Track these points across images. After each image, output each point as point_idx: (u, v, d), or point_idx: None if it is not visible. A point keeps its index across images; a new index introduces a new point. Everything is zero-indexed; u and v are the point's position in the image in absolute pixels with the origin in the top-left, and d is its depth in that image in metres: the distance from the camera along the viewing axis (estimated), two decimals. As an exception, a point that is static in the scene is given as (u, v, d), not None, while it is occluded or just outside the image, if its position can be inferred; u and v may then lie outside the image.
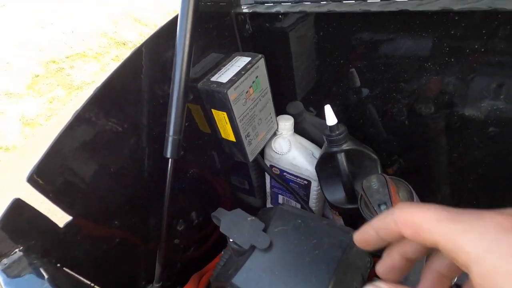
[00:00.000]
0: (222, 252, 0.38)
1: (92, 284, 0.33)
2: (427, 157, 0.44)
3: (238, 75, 0.37)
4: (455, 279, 0.17)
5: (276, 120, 0.48)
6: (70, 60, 2.71)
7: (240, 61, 0.40)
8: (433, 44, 0.33)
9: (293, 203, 0.55)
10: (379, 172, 0.42)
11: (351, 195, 0.43)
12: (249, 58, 0.40)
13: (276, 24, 0.42)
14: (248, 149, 0.43)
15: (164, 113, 0.34)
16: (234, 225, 0.32)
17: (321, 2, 0.37)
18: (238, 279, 0.30)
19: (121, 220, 0.37)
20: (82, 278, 0.31)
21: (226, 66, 0.40)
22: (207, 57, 0.40)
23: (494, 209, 0.14)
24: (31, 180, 0.27)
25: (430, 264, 0.18)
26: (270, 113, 0.45)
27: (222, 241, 0.38)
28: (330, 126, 0.40)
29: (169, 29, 0.34)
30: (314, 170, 0.46)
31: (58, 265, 0.29)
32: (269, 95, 0.44)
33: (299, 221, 0.32)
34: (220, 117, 0.39)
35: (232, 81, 0.36)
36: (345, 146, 0.41)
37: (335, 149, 0.41)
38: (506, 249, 0.12)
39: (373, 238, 0.17)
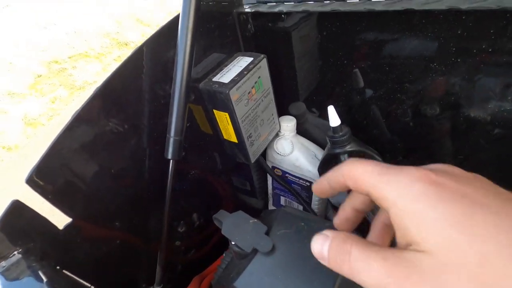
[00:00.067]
0: (224, 255, 0.37)
1: (92, 287, 0.32)
2: (432, 159, 0.43)
3: (240, 75, 0.37)
4: None
5: (279, 121, 0.47)
6: (72, 60, 2.72)
7: (242, 61, 0.39)
8: (439, 44, 0.32)
9: (295, 204, 0.55)
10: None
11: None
12: (251, 58, 0.39)
13: (279, 24, 0.42)
14: (250, 150, 0.43)
15: (165, 114, 0.34)
16: (236, 227, 0.32)
17: (325, 1, 0.37)
18: (240, 283, 0.29)
19: (122, 222, 0.36)
20: (81, 281, 0.31)
21: (228, 66, 0.39)
22: (208, 57, 0.40)
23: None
24: (30, 181, 0.26)
25: (376, 217, 0.22)
26: (272, 114, 0.45)
27: (223, 243, 0.37)
28: (333, 127, 0.39)
29: (171, 28, 0.34)
30: (317, 172, 0.46)
31: (58, 267, 0.29)
32: (271, 96, 0.43)
33: (302, 223, 0.32)
34: (222, 117, 0.39)
35: (234, 81, 0.36)
36: (348, 148, 0.40)
37: (338, 150, 0.40)
38: (414, 193, 0.15)
39: (327, 188, 0.21)
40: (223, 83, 0.36)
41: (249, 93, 0.38)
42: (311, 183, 0.49)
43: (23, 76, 2.48)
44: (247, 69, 0.38)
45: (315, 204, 0.52)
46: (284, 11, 0.39)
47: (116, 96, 0.32)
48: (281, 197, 0.56)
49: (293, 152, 0.48)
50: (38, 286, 0.24)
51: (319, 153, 0.49)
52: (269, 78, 0.41)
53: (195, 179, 0.46)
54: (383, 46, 0.36)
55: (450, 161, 0.41)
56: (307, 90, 0.48)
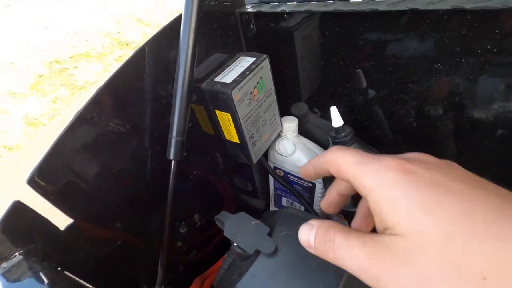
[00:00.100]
0: (225, 255, 0.37)
1: (93, 288, 0.32)
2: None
3: (243, 75, 0.36)
4: None
5: (281, 121, 0.47)
6: (73, 60, 2.73)
7: (245, 61, 0.39)
8: (443, 44, 0.32)
9: (297, 205, 0.55)
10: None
11: (357, 198, 0.42)
12: (254, 58, 0.39)
13: (281, 24, 0.42)
14: (252, 151, 0.42)
15: (167, 114, 0.33)
16: (238, 229, 0.32)
17: (328, 1, 0.36)
18: (243, 285, 0.29)
19: (123, 223, 0.36)
20: (83, 282, 0.31)
21: (230, 66, 0.39)
22: (211, 57, 0.40)
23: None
24: (32, 181, 0.26)
25: (360, 204, 0.24)
26: (274, 114, 0.45)
27: (225, 244, 0.37)
28: (336, 128, 0.39)
29: (172, 28, 0.33)
30: (319, 173, 0.46)
31: (59, 268, 0.28)
32: (273, 96, 0.43)
33: (305, 225, 0.32)
34: (224, 118, 0.38)
35: (236, 81, 0.36)
36: (351, 148, 0.40)
37: (341, 151, 0.40)
38: (388, 181, 0.16)
39: (312, 172, 0.23)
40: (225, 83, 0.36)
41: (251, 93, 0.38)
42: (313, 184, 0.49)
43: (24, 76, 2.48)
44: (249, 69, 0.37)
45: (317, 205, 0.52)
46: (287, 11, 0.39)
47: (118, 96, 0.32)
48: (283, 198, 0.56)
49: (295, 152, 0.47)
50: (39, 287, 0.24)
51: (321, 154, 0.48)
52: (271, 78, 0.41)
53: (196, 180, 0.46)
54: (386, 46, 0.36)
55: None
56: (309, 91, 0.48)
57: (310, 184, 0.49)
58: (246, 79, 0.36)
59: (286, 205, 0.57)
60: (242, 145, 0.41)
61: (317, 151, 0.49)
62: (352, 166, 0.18)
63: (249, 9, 0.42)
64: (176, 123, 0.33)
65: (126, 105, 0.33)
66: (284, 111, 0.48)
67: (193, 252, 0.50)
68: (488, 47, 0.30)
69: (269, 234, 0.31)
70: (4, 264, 0.24)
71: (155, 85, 0.35)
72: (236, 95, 0.35)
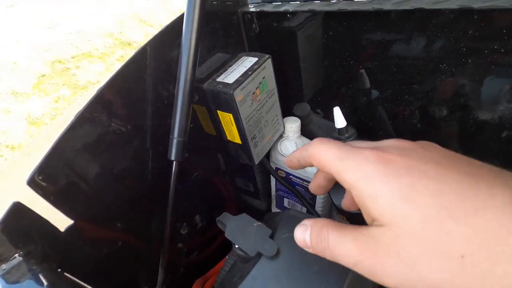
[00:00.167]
0: (227, 257, 0.37)
1: (93, 289, 0.32)
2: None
3: (245, 75, 0.36)
4: None
5: (283, 122, 0.46)
6: (75, 60, 2.73)
7: (247, 62, 0.39)
8: (449, 45, 0.32)
9: (299, 206, 0.54)
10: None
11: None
12: (256, 58, 0.39)
13: (284, 24, 0.41)
14: (254, 152, 0.42)
15: (168, 114, 0.33)
16: (240, 230, 0.31)
17: (331, 1, 0.36)
18: (244, 287, 0.29)
19: (124, 223, 0.36)
20: (83, 283, 0.31)
21: (232, 66, 0.39)
22: (213, 57, 0.40)
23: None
24: (32, 182, 0.26)
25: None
26: (276, 115, 0.44)
27: (226, 245, 0.37)
28: (339, 129, 0.39)
29: (175, 28, 0.33)
30: (322, 174, 0.45)
31: (59, 270, 0.28)
32: (276, 96, 0.42)
33: (307, 227, 0.31)
34: (226, 118, 0.38)
35: (238, 81, 0.35)
36: (354, 150, 0.39)
37: (344, 152, 0.40)
38: (368, 174, 0.16)
39: (296, 164, 0.23)
40: (228, 84, 0.35)
41: (253, 93, 0.38)
42: (315, 185, 0.49)
43: (27, 75, 2.49)
44: (251, 69, 0.37)
45: (319, 206, 0.51)
46: (290, 10, 0.39)
47: (120, 96, 0.32)
48: (285, 199, 0.56)
49: (297, 153, 0.47)
50: (39, 289, 0.24)
51: (324, 155, 0.48)
52: (273, 78, 0.41)
53: (198, 180, 0.46)
54: (391, 46, 0.36)
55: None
56: (312, 91, 0.47)
57: (312, 186, 0.49)
58: (249, 79, 0.36)
59: (288, 206, 0.56)
60: (244, 146, 0.41)
61: (319, 152, 0.48)
62: (333, 162, 0.18)
63: (252, 8, 0.42)
64: (177, 124, 0.32)
65: (128, 105, 0.33)
66: (287, 112, 0.47)
67: (194, 253, 0.49)
68: (495, 47, 0.29)
69: (271, 236, 0.30)
70: (4, 266, 0.24)
71: (156, 85, 0.34)
72: (238, 95, 0.35)
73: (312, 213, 0.50)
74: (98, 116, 0.30)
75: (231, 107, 0.36)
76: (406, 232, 0.15)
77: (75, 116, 0.28)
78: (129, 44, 3.04)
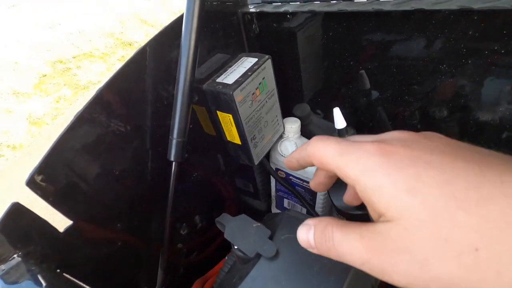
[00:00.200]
0: (226, 258, 0.37)
1: (93, 290, 0.32)
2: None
3: (245, 76, 0.36)
4: None
5: (283, 123, 0.46)
6: (76, 60, 2.74)
7: (247, 62, 0.39)
8: (449, 45, 0.31)
9: (299, 207, 0.54)
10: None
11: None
12: (256, 59, 0.39)
13: (284, 24, 0.41)
14: (254, 152, 0.42)
15: (168, 115, 0.33)
16: (239, 231, 0.31)
17: (331, 1, 0.36)
18: (243, 288, 0.29)
19: (123, 224, 0.36)
20: (82, 284, 0.31)
21: (232, 67, 0.39)
22: (212, 58, 0.40)
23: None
24: (31, 182, 0.26)
25: None
26: (276, 115, 0.44)
27: (226, 245, 0.37)
28: (339, 130, 0.38)
29: (174, 28, 0.33)
30: (321, 174, 0.45)
31: (58, 270, 0.28)
32: (275, 97, 0.42)
33: (307, 228, 0.31)
34: (226, 119, 0.38)
35: (238, 82, 0.35)
36: (354, 150, 0.39)
37: (343, 153, 0.40)
38: (371, 168, 0.16)
39: (296, 165, 0.23)
40: (227, 84, 0.35)
41: (253, 94, 0.38)
42: (315, 185, 0.49)
43: (28, 75, 2.50)
44: (251, 70, 0.37)
45: (319, 207, 0.51)
46: (290, 11, 0.39)
47: (119, 96, 0.32)
48: (285, 200, 0.56)
49: (297, 154, 0.47)
50: (38, 289, 0.24)
51: (324, 156, 0.48)
52: (273, 79, 0.41)
53: (197, 181, 0.46)
54: (391, 47, 0.35)
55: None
56: (312, 91, 0.47)
57: (312, 186, 0.49)
58: (248, 80, 0.36)
59: (287, 207, 0.56)
60: (244, 147, 0.41)
61: (319, 153, 0.48)
62: (334, 158, 0.18)
63: (252, 9, 0.42)
64: (177, 124, 0.32)
65: (127, 105, 0.33)
66: (286, 112, 0.47)
67: (193, 253, 0.49)
68: (496, 48, 0.29)
69: (270, 237, 0.30)
70: (3, 266, 0.24)
71: (156, 85, 0.34)
72: (238, 96, 0.35)
73: (312, 214, 0.50)
74: (97, 116, 0.30)
75: (230, 108, 0.36)
76: (413, 226, 0.14)
77: (74, 117, 0.28)
78: (130, 44, 3.04)
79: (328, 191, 0.46)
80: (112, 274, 0.36)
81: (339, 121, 0.38)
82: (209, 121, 0.41)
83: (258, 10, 0.41)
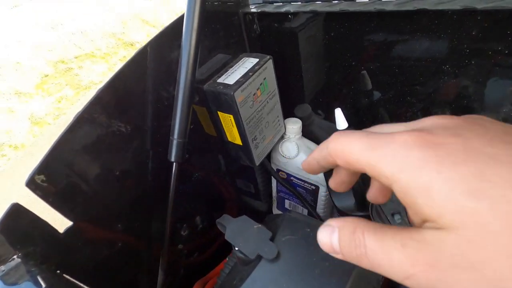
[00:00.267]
0: (227, 259, 0.37)
1: (93, 291, 0.32)
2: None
3: (246, 76, 0.36)
4: None
5: (284, 123, 0.46)
6: (78, 60, 2.75)
7: (248, 62, 0.39)
8: (452, 46, 0.31)
9: (300, 208, 0.54)
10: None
11: (362, 202, 0.41)
12: (257, 59, 0.39)
13: (285, 24, 0.41)
14: (255, 153, 0.42)
15: (168, 115, 0.33)
16: (240, 233, 0.31)
17: (333, 1, 0.36)
18: (243, 290, 0.28)
19: (124, 225, 0.36)
20: (82, 285, 0.31)
21: (233, 67, 0.39)
22: (213, 58, 0.39)
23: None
24: (31, 183, 0.26)
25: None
26: (277, 116, 0.44)
27: (226, 246, 0.36)
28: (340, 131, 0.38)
29: (175, 28, 0.33)
30: (323, 175, 0.45)
31: (58, 271, 0.28)
32: (277, 98, 0.42)
33: (308, 229, 0.31)
34: (227, 119, 0.38)
35: (239, 82, 0.35)
36: (355, 151, 0.39)
37: (345, 154, 0.39)
38: (413, 163, 0.13)
39: (316, 166, 0.20)
40: (228, 85, 0.35)
41: (254, 94, 0.37)
42: (316, 186, 0.48)
43: (30, 75, 2.51)
44: (252, 70, 0.37)
45: (320, 208, 0.51)
46: (291, 11, 0.39)
47: (119, 97, 0.31)
48: (286, 200, 0.56)
49: (298, 155, 0.47)
50: (38, 291, 0.24)
51: (325, 156, 0.48)
52: (274, 79, 0.40)
53: (198, 182, 0.46)
54: (393, 47, 0.35)
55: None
56: (313, 92, 0.47)
57: (313, 187, 0.49)
58: (249, 80, 0.36)
59: (289, 208, 0.56)
60: (245, 147, 0.40)
61: (320, 154, 0.48)
62: (362, 154, 0.15)
63: (253, 9, 0.42)
64: (177, 125, 0.32)
65: (128, 106, 0.32)
66: (288, 113, 0.47)
67: (194, 254, 0.49)
68: (499, 48, 0.29)
69: (271, 239, 0.30)
70: (2, 267, 0.24)
71: (156, 86, 0.34)
72: (239, 96, 0.35)
73: (313, 215, 0.50)
74: (98, 117, 0.30)
75: (231, 108, 0.36)
76: (482, 238, 0.11)
77: (74, 117, 0.28)
78: (132, 45, 3.05)
79: (329, 192, 0.45)
80: (113, 275, 0.36)
81: (341, 122, 0.38)
82: (210, 122, 0.41)
83: (259, 10, 0.41)
